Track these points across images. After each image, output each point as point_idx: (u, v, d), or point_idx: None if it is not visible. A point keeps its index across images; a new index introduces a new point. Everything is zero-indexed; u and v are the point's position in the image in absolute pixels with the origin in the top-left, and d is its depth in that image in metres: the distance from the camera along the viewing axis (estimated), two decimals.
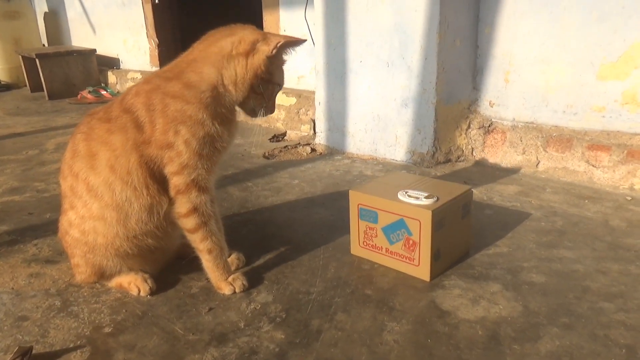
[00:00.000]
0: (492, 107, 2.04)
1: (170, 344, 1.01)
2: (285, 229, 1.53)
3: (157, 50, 3.93)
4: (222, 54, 1.09)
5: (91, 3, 4.42)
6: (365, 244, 1.30)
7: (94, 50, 4.24)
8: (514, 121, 1.97)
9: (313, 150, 2.35)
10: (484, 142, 2.04)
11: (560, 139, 1.84)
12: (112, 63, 4.39)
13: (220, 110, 1.11)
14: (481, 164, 2.05)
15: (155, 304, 1.16)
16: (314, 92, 2.41)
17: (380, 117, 2.12)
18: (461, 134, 2.08)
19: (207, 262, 1.19)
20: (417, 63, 1.94)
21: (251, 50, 1.08)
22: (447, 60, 1.93)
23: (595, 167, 1.77)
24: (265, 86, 1.12)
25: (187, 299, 1.17)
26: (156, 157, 1.10)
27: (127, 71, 4.15)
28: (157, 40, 3.90)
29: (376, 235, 1.27)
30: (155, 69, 4.02)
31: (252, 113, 1.16)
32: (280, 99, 2.71)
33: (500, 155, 2.00)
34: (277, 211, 1.67)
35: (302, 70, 2.78)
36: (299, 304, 1.13)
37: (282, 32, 2.86)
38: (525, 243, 1.37)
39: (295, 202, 1.74)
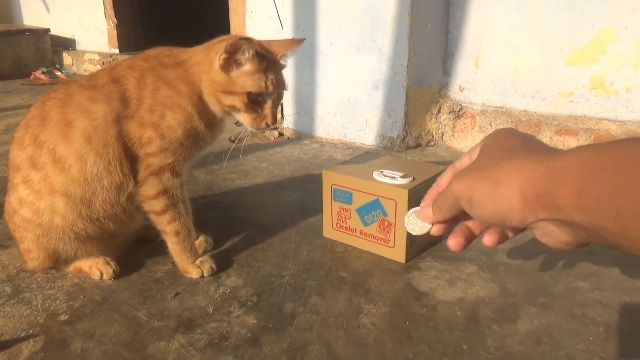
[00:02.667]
0: (462, 91, 2.04)
1: (133, 331, 0.94)
2: (255, 211, 1.47)
3: (115, 31, 3.76)
4: (199, 67, 1.05)
5: None
6: (338, 225, 1.26)
7: (48, 30, 4.02)
8: (484, 106, 1.97)
9: (281, 134, 2.29)
10: (454, 127, 2.03)
11: (529, 123, 1.84)
12: (67, 44, 4.18)
13: (206, 115, 1.07)
14: (451, 148, 2.05)
15: (116, 290, 1.08)
16: None
17: (350, 101, 2.08)
18: (431, 119, 2.06)
19: (174, 245, 1.12)
20: (388, 46, 1.91)
21: (209, 66, 1.03)
22: (419, 43, 1.90)
23: None
24: (232, 99, 1.02)
25: (151, 283, 1.10)
26: (134, 134, 1.04)
27: (83, 52, 3.96)
28: (115, 20, 3.72)
29: (350, 217, 1.23)
30: (114, 50, 3.85)
31: (250, 126, 1.07)
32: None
33: (470, 139, 1.99)
34: (246, 194, 1.61)
35: None
36: (270, 287, 1.08)
37: (248, 14, 2.77)
38: None
39: (264, 185, 1.68)
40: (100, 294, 1.06)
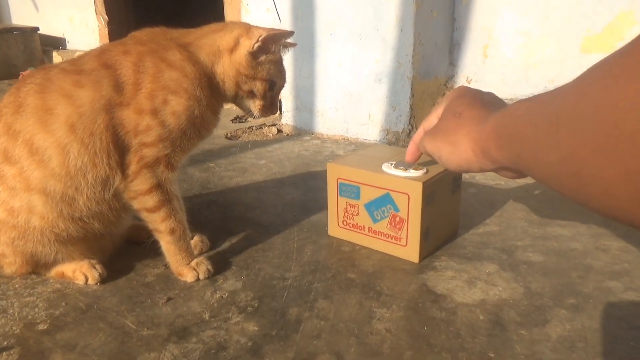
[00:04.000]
0: (469, 83, 1.94)
1: (120, 342, 0.84)
2: (254, 210, 1.37)
3: (107, 29, 3.65)
4: (212, 48, 1.02)
5: None
6: (345, 223, 1.16)
7: (37, 29, 3.92)
8: None
9: (279, 131, 2.19)
10: None
11: None
12: (57, 43, 4.07)
13: (212, 100, 1.03)
14: None
15: (102, 295, 0.98)
16: None
17: (352, 94, 1.98)
18: None
19: (168, 245, 1.02)
20: (392, 35, 1.81)
21: (235, 46, 1.02)
22: (424, 32, 1.81)
23: None
24: (252, 83, 1.03)
25: (140, 288, 1.00)
26: (129, 122, 0.94)
27: (73, 51, 3.85)
28: (106, 17, 3.62)
29: (358, 213, 1.13)
30: None
31: (249, 112, 1.09)
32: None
33: None
34: (244, 192, 1.51)
35: None
36: (273, 291, 0.98)
37: (243, 6, 2.67)
38: (516, 221, 1.27)
39: (264, 183, 1.58)
40: (85, 301, 0.96)
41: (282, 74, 1.09)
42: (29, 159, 0.92)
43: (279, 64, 1.07)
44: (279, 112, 2.38)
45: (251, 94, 1.05)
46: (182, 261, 1.03)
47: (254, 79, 1.03)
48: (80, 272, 1.01)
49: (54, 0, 3.96)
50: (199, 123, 1.00)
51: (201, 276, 1.02)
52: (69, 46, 4.03)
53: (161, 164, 0.98)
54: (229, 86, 1.03)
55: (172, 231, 1.01)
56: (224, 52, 1.02)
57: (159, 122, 0.95)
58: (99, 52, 0.99)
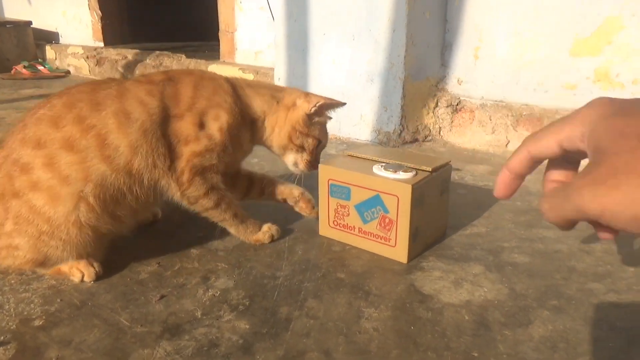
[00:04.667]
0: (460, 84, 1.97)
1: (114, 338, 0.86)
2: (246, 209, 1.38)
3: (100, 24, 3.65)
4: (272, 99, 1.20)
5: None
6: (335, 223, 1.19)
7: (30, 23, 3.90)
8: (483, 99, 1.91)
9: None
10: (452, 121, 1.97)
11: (531, 117, 1.78)
12: (50, 37, 4.06)
13: (248, 133, 1.18)
14: (449, 143, 1.98)
15: (96, 293, 1.00)
16: (272, 69, 2.27)
17: (344, 94, 2.00)
18: (429, 113, 2.00)
19: (237, 226, 1.18)
20: (384, 35, 1.83)
21: (292, 105, 1.18)
22: (417, 33, 1.83)
23: None
24: (304, 139, 1.19)
25: (134, 285, 1.02)
26: (182, 133, 1.07)
27: (67, 46, 3.84)
28: (100, 12, 3.61)
29: (348, 214, 1.16)
30: (98, 43, 3.74)
31: (295, 165, 1.23)
32: (236, 76, 2.55)
33: (469, 134, 1.93)
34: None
35: (259, 45, 2.63)
36: (264, 289, 1.01)
37: (237, 4, 2.68)
38: (503, 223, 1.30)
39: None
40: (79, 297, 0.98)
41: (327, 135, 1.26)
42: (96, 151, 0.98)
43: (325, 127, 1.24)
44: None
45: (301, 149, 1.20)
46: (254, 230, 1.19)
47: (307, 135, 1.19)
48: (76, 268, 1.03)
49: None
50: (237, 143, 1.15)
51: (275, 236, 1.21)
52: (62, 40, 4.02)
53: (210, 171, 1.10)
54: (278, 135, 1.19)
55: (235, 216, 1.17)
56: (281, 107, 1.19)
57: (208, 135, 1.08)
58: (165, 71, 1.14)
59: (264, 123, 1.19)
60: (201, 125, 1.08)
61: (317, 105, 1.18)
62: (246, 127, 1.17)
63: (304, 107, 1.18)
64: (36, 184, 0.96)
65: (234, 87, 1.16)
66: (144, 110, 1.02)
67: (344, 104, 1.23)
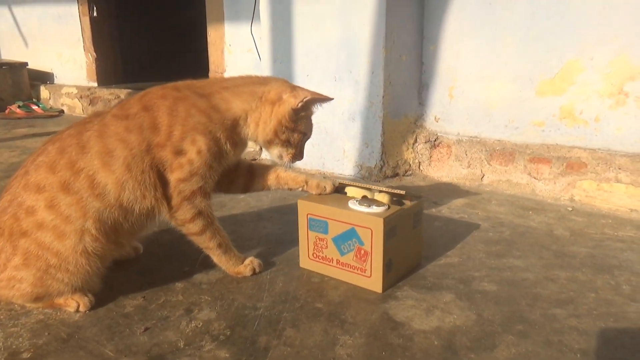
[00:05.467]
0: (437, 121, 2.06)
1: None
2: (232, 240, 1.45)
3: (94, 64, 3.76)
4: (252, 97, 1.18)
5: (23, 15, 4.19)
6: (315, 255, 1.25)
7: (25, 64, 4.01)
8: (459, 135, 2.00)
9: None
10: (431, 156, 2.05)
11: (503, 152, 1.87)
12: (45, 77, 4.17)
13: (234, 137, 1.18)
14: (428, 177, 2.06)
15: (83, 325, 1.04)
16: None
17: (328, 131, 2.09)
18: (408, 148, 2.08)
19: (220, 256, 1.22)
20: (364, 77, 1.94)
21: (277, 100, 1.17)
22: (394, 74, 1.94)
23: (537, 179, 1.81)
24: (290, 134, 1.19)
25: (120, 318, 1.07)
26: (166, 161, 1.11)
27: (61, 86, 3.94)
28: (94, 54, 3.73)
29: (326, 247, 1.22)
30: (92, 83, 3.84)
31: (279, 158, 1.24)
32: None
33: (447, 168, 2.01)
34: (222, 226, 1.58)
35: None
36: (244, 320, 1.06)
37: (226, 47, 2.80)
38: (475, 253, 1.36)
39: (241, 217, 1.66)
40: (66, 331, 1.02)
41: (311, 128, 1.26)
42: (89, 191, 1.06)
43: (310, 120, 1.24)
44: (259, 147, 2.48)
45: (287, 143, 1.20)
46: (236, 263, 1.23)
47: (293, 130, 1.19)
48: (72, 299, 1.08)
49: (44, 37, 4.07)
50: (220, 156, 1.16)
51: (257, 270, 1.24)
52: (56, 81, 4.12)
53: (198, 195, 1.15)
54: (263, 130, 1.18)
55: (219, 246, 1.21)
56: (266, 102, 1.17)
57: (188, 161, 1.12)
58: (140, 97, 1.17)
59: (246, 121, 1.18)
60: (181, 152, 1.11)
61: (305, 100, 1.16)
62: (228, 134, 1.16)
63: (291, 102, 1.16)
64: (42, 224, 1.04)
65: (209, 97, 1.16)
66: (125, 147, 1.08)
67: (332, 99, 1.22)
